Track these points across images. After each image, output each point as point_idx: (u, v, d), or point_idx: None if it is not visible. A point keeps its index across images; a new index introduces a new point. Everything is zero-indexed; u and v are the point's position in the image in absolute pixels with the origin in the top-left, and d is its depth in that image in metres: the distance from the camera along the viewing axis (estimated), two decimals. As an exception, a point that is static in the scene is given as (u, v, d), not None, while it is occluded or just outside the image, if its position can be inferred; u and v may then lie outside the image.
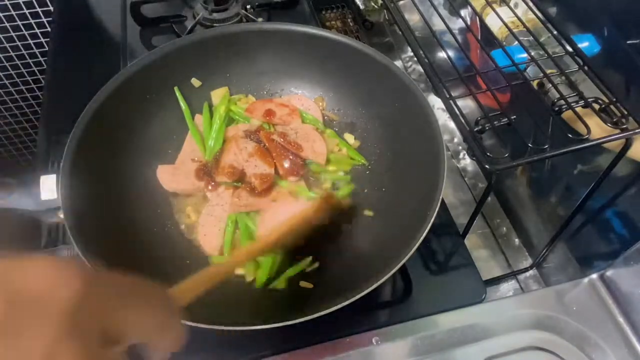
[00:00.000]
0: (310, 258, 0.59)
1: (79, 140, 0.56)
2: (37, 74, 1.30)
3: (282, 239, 0.54)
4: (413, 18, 0.85)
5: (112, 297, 0.26)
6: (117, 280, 0.28)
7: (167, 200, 0.63)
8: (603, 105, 0.52)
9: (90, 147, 0.57)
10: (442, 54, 0.59)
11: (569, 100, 0.51)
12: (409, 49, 0.99)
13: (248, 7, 0.90)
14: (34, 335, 0.22)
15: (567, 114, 0.53)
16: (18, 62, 1.26)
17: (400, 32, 0.67)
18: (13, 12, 1.15)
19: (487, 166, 0.47)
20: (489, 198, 0.80)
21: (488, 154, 0.47)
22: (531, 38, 0.58)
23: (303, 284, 0.57)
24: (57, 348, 0.22)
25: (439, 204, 0.51)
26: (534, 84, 0.55)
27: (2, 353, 0.22)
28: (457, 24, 0.75)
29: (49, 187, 0.55)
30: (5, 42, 1.20)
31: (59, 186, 0.52)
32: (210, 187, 0.64)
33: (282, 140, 0.66)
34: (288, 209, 0.61)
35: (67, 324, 0.23)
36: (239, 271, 0.58)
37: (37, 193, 0.55)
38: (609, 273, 0.61)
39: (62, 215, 0.50)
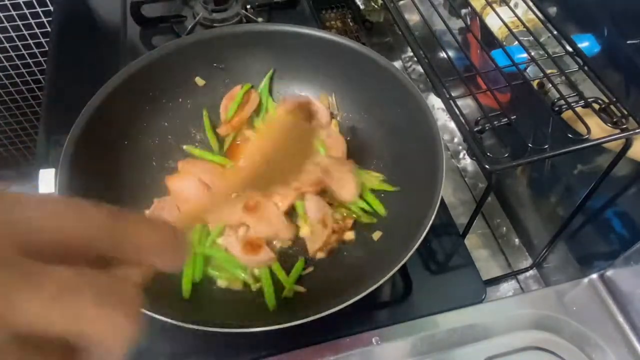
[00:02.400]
0: (302, 259, 0.59)
1: (78, 137, 0.56)
2: (37, 74, 1.30)
3: (268, 160, 0.42)
4: (413, 18, 0.85)
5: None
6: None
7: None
8: (603, 105, 0.52)
9: (89, 144, 0.57)
10: (442, 54, 0.59)
11: (569, 100, 0.51)
12: (409, 49, 0.99)
13: (248, 7, 0.90)
14: None
15: (567, 114, 0.53)
16: (18, 62, 1.26)
17: (400, 32, 0.67)
18: (13, 12, 1.15)
19: (487, 166, 0.47)
20: (489, 198, 0.79)
21: (488, 154, 0.47)
22: (531, 38, 0.58)
23: (296, 288, 0.57)
24: None
25: (438, 204, 0.51)
26: (534, 84, 0.55)
27: None
28: (457, 24, 0.75)
29: (47, 181, 0.55)
30: (5, 42, 1.20)
31: (57, 181, 0.52)
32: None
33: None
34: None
35: None
36: (238, 285, 0.56)
37: (36, 187, 0.54)
38: (609, 273, 0.61)
39: None
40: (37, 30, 1.20)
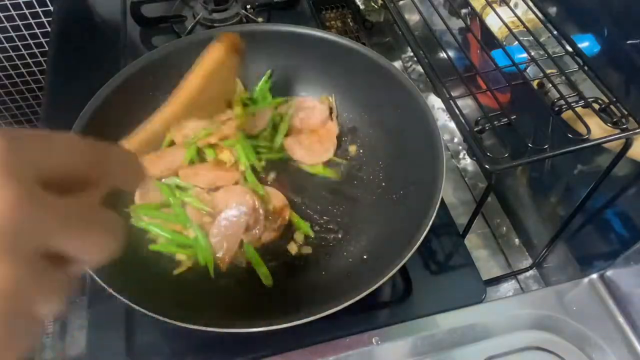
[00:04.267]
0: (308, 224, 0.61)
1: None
2: (37, 74, 1.30)
3: (201, 91, 0.52)
4: (413, 18, 0.85)
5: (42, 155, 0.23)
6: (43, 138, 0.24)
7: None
8: (603, 105, 0.52)
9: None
10: (442, 54, 0.59)
11: (569, 100, 0.51)
12: (409, 49, 0.99)
13: (248, 7, 0.90)
14: None
15: (567, 114, 0.53)
16: (18, 62, 1.26)
17: (400, 32, 0.67)
18: (13, 12, 1.15)
19: (487, 166, 0.47)
20: (489, 198, 0.80)
21: (488, 154, 0.47)
22: (531, 38, 0.58)
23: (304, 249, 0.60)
24: None
25: (438, 204, 0.51)
26: (534, 84, 0.55)
27: None
28: (457, 24, 0.75)
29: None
30: (5, 42, 1.20)
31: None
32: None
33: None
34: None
35: None
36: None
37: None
38: (609, 273, 0.61)
39: None
40: (37, 30, 1.20)
